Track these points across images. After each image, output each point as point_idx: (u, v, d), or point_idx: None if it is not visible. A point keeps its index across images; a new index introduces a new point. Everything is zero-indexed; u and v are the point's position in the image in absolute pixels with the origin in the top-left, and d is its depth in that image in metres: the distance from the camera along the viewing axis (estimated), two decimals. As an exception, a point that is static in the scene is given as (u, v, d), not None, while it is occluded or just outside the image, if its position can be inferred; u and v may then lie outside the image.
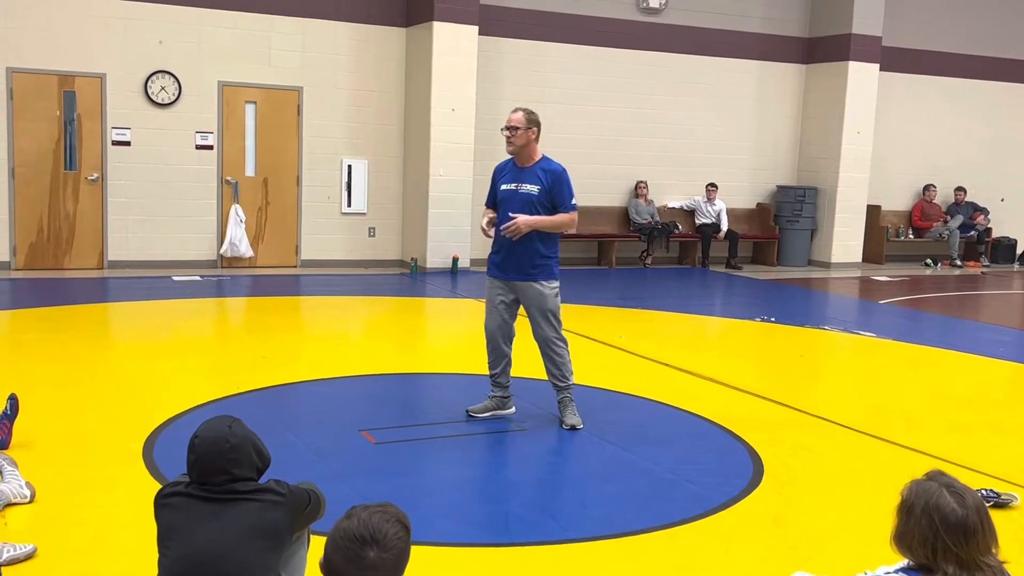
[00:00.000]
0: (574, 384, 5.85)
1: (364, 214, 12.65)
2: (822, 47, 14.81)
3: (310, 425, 5.72)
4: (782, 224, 14.95)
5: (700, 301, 11.69)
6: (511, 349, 5.88)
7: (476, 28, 12.25)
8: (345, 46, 12.35)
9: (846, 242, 14.92)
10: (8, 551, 3.59)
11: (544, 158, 5.73)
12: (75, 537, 3.92)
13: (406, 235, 12.94)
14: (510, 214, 5.58)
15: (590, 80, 13.65)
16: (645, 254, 14.11)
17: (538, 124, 5.65)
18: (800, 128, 15.29)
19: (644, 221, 13.94)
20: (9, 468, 4.31)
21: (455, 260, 12.49)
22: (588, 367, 7.40)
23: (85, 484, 4.49)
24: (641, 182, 14.03)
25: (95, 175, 11.33)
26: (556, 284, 5.77)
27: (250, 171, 12.10)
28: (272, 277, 11.70)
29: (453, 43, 12.09)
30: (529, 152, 5.65)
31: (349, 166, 12.51)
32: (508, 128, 5.60)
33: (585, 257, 14.13)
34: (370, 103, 12.59)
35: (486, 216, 5.86)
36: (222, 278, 11.37)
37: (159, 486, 3.99)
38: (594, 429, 5.74)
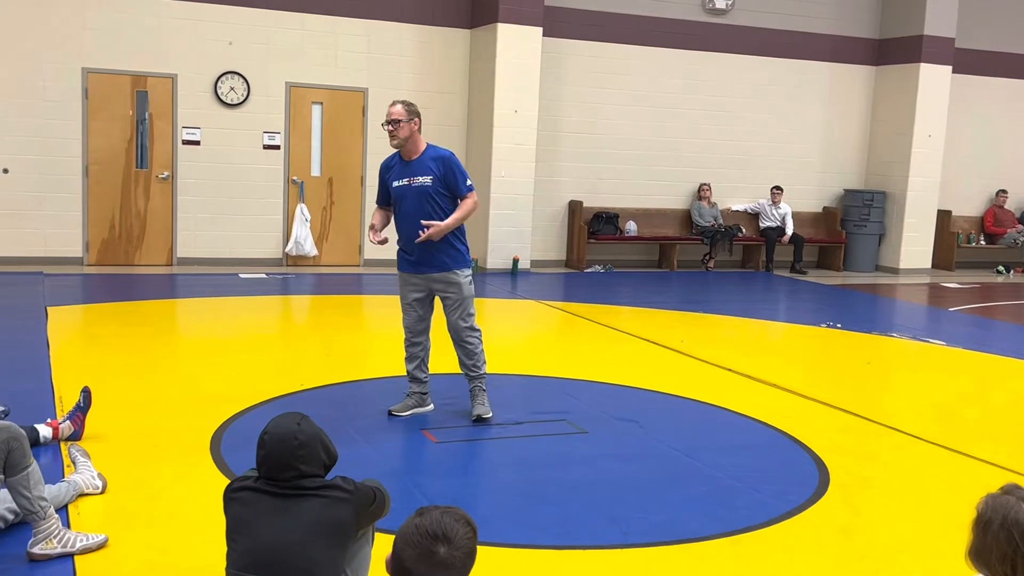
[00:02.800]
0: (486, 374, 5.82)
1: (426, 214, 12.71)
2: (893, 49, 14.51)
3: (372, 423, 5.76)
4: (849, 228, 14.68)
5: (764, 306, 11.53)
6: (427, 340, 5.86)
7: (540, 29, 12.25)
8: (410, 47, 12.44)
9: (915, 248, 14.60)
10: (81, 540, 3.68)
11: (430, 146, 5.64)
12: (145, 528, 4.00)
13: (467, 234, 12.94)
14: (422, 220, 5.48)
15: (653, 81, 13.56)
16: (708, 257, 13.97)
17: (418, 114, 5.57)
18: (869, 131, 15.00)
19: (707, 224, 13.81)
20: (82, 459, 4.41)
21: (515, 261, 12.50)
22: (649, 370, 7.35)
23: (155, 477, 4.59)
24: (704, 184, 13.90)
25: (165, 174, 11.58)
26: (469, 272, 5.75)
27: (316, 171, 12.25)
28: (336, 276, 11.83)
29: (517, 44, 12.11)
30: (414, 144, 5.57)
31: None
32: (389, 122, 5.50)
33: (646, 260, 14.04)
34: (433, 104, 12.64)
35: (376, 218, 5.79)
36: (287, 276, 11.53)
37: (226, 480, 4.06)
38: (655, 434, 5.70)
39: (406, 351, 5.86)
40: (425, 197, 5.52)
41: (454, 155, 5.70)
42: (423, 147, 5.62)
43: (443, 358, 7.30)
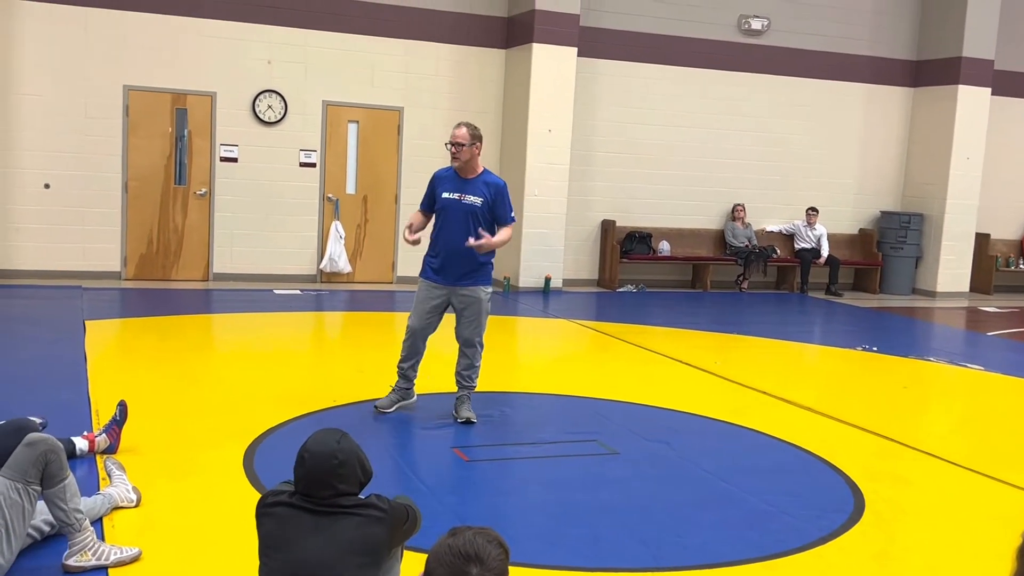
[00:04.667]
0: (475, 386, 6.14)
1: (460, 232, 12.75)
2: (931, 70, 14.40)
3: (404, 440, 5.78)
4: (885, 251, 14.54)
5: (798, 328, 11.43)
6: (425, 346, 6.13)
7: (575, 50, 12.29)
8: (446, 67, 12.53)
9: (953, 271, 14.42)
10: (115, 553, 3.71)
11: (486, 171, 5.95)
12: (178, 543, 4.03)
13: (499, 254, 12.91)
14: (480, 229, 5.75)
15: (688, 102, 13.55)
16: (741, 278, 13.89)
17: (480, 139, 5.86)
18: (906, 153, 14.87)
19: (741, 244, 13.74)
20: (118, 472, 4.46)
21: (547, 280, 12.51)
22: (681, 391, 7.31)
23: (188, 491, 4.62)
24: (738, 205, 13.84)
25: (203, 190, 11.72)
26: (491, 289, 6.06)
27: (351, 189, 12.35)
28: (369, 293, 11.90)
29: (552, 64, 12.16)
30: (473, 165, 5.87)
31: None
32: (453, 144, 5.80)
33: (679, 280, 13.98)
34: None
35: (414, 219, 6.02)
36: (321, 293, 11.61)
37: (259, 496, 4.09)
38: (688, 456, 5.66)
39: (406, 350, 6.11)
40: (471, 215, 5.82)
41: (506, 186, 6.00)
42: (480, 170, 5.94)
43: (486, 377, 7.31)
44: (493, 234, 5.87)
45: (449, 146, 5.84)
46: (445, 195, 5.89)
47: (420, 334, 6.06)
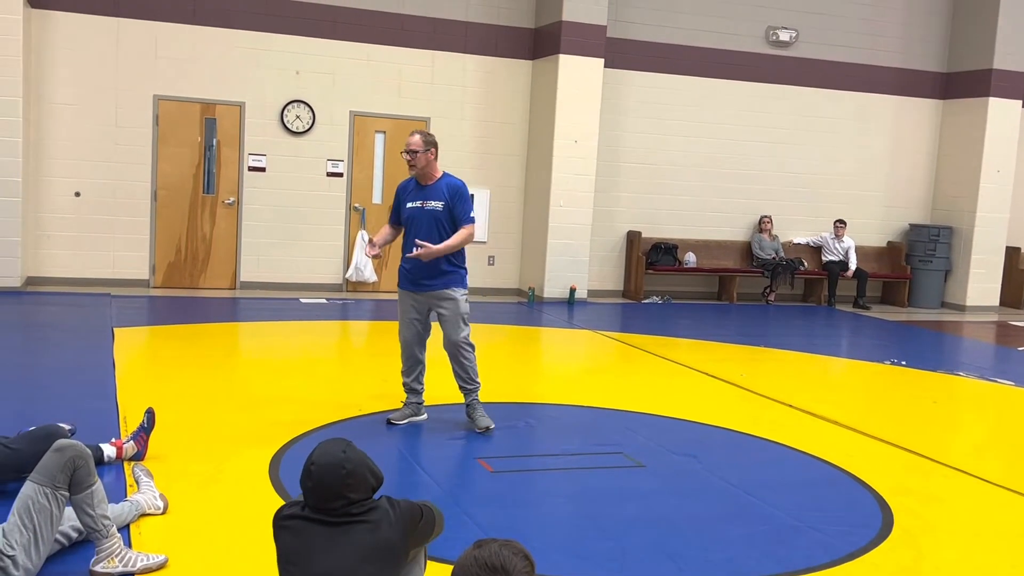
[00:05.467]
0: (480, 386, 6.13)
1: (484, 243, 12.79)
2: (961, 82, 14.28)
3: (429, 451, 5.78)
4: (914, 264, 14.41)
5: (826, 341, 11.34)
6: (424, 354, 6.17)
7: (602, 61, 12.30)
8: (472, 78, 12.57)
9: (982, 284, 14.27)
10: (142, 560, 3.73)
11: (445, 174, 6.04)
12: (204, 550, 4.04)
13: (524, 264, 13.02)
14: (416, 240, 5.85)
15: (715, 113, 13.51)
16: (768, 290, 13.80)
17: (435, 145, 5.96)
18: (935, 165, 14.75)
19: (768, 256, 13.66)
20: (145, 480, 4.49)
21: (572, 291, 12.49)
22: (707, 404, 7.27)
23: (215, 499, 4.64)
24: (765, 217, 13.77)
25: (231, 199, 11.81)
26: (465, 291, 6.08)
27: (377, 199, 12.40)
28: (394, 302, 11.78)
29: (578, 75, 12.17)
30: (430, 171, 5.96)
31: (472, 196, 12.64)
32: (408, 152, 5.88)
33: (705, 292, 13.92)
34: (494, 134, 12.77)
35: (380, 233, 6.17)
36: (346, 302, 11.65)
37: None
38: (714, 469, 5.62)
39: (404, 364, 6.17)
40: (434, 220, 5.93)
41: (465, 186, 6.09)
42: (439, 175, 6.03)
43: (498, 387, 7.30)
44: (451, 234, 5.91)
45: (404, 154, 5.91)
46: (409, 204, 5.99)
47: (411, 343, 6.11)
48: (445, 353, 6.11)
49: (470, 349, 6.07)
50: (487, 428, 6.03)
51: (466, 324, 6.05)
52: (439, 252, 5.86)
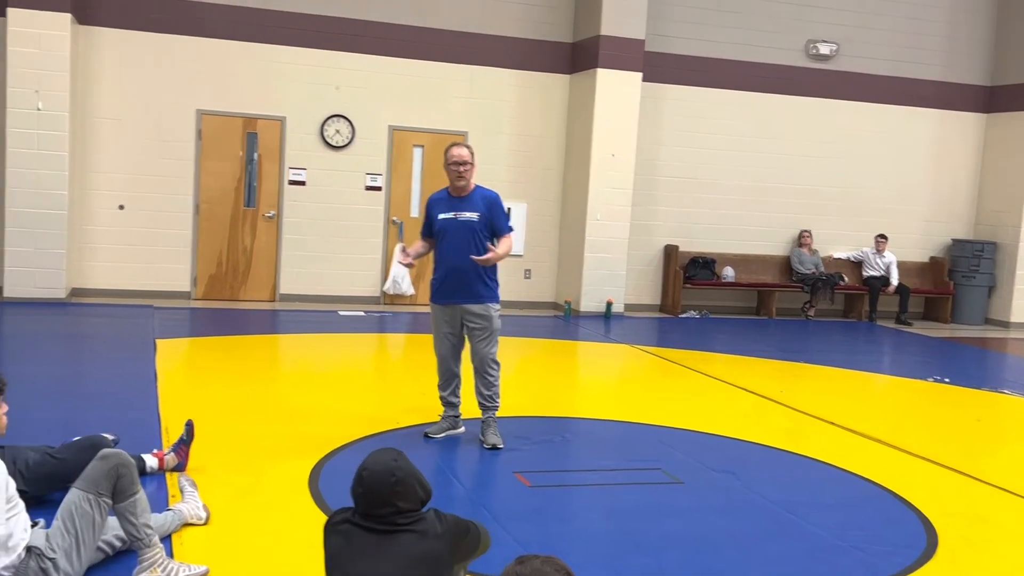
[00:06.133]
0: (499, 406, 6.09)
1: (521, 256, 12.80)
2: (1005, 96, 14.07)
3: (466, 464, 5.78)
4: (957, 280, 14.20)
5: (867, 357, 11.20)
6: (459, 367, 6.14)
7: (640, 75, 12.28)
8: (510, 92, 12.61)
9: (1028, 301, 14.03)
10: (184, 570, 3.76)
11: (478, 187, 6.02)
12: (244, 561, 4.07)
13: (561, 278, 13.01)
14: (471, 253, 5.82)
15: (753, 126, 13.44)
16: (808, 305, 13.67)
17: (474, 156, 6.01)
18: (979, 180, 14.54)
19: (808, 271, 13.53)
20: (190, 489, 4.53)
21: (609, 304, 12.45)
22: (746, 421, 7.20)
23: (255, 509, 4.68)
24: (805, 231, 13.65)
25: (272, 212, 11.94)
26: (499, 307, 6.06)
27: (415, 212, 12.46)
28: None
29: (616, 89, 12.16)
30: (469, 184, 5.96)
31: (509, 209, 12.69)
32: (460, 164, 5.86)
33: (744, 307, 13.82)
34: (531, 148, 12.79)
35: (414, 246, 6.20)
36: (384, 314, 11.72)
37: (324, 517, 4.12)
38: (753, 487, 5.57)
39: (441, 377, 6.17)
40: (470, 231, 5.91)
41: (500, 197, 6.09)
42: (472, 187, 6.00)
43: (535, 401, 7.29)
44: (486, 246, 5.92)
45: (454, 167, 5.87)
46: (441, 216, 5.97)
47: (447, 358, 6.10)
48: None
49: (496, 367, 6.05)
50: (494, 446, 5.94)
51: (496, 341, 6.04)
52: (498, 258, 5.86)
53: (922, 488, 5.69)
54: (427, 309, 12.36)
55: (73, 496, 3.64)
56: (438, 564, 2.88)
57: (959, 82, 14.22)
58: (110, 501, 3.67)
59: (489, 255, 5.81)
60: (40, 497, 4.27)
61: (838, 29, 13.62)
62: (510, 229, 6.05)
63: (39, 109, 10.44)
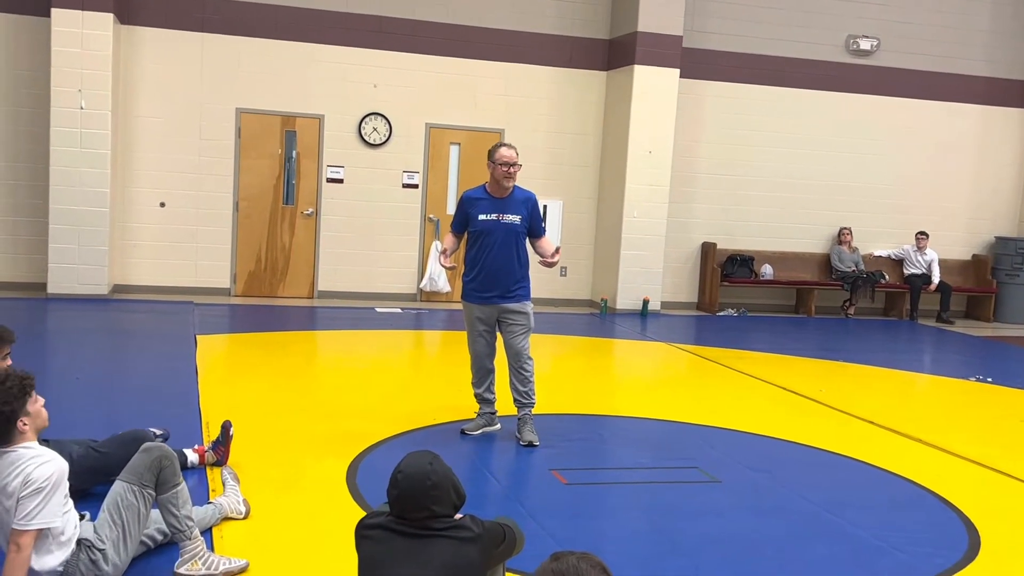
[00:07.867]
0: (535, 403, 6.08)
1: (558, 254, 12.76)
2: (1051, 90, 13.83)
3: (502, 461, 5.79)
4: (1000, 278, 13.97)
5: (908, 356, 11.06)
6: (494, 363, 6.15)
7: (677, 71, 12.22)
8: (546, 90, 12.60)
9: (1074, 299, 13.77)
10: (224, 564, 3.81)
11: (516, 187, 6.01)
12: (284, 556, 4.11)
13: (597, 276, 12.97)
14: (542, 260, 5.99)
15: (792, 123, 13.31)
16: (847, 303, 13.52)
17: None
18: (1023, 176, 14.30)
19: (848, 269, 13.39)
20: (231, 483, 4.59)
21: (645, 302, 12.40)
22: (784, 420, 7.14)
23: (294, 504, 4.72)
24: (845, 228, 13.50)
25: (310, 210, 12.03)
26: (531, 304, 6.11)
27: (451, 210, 12.48)
28: (467, 313, 11.96)
29: (653, 86, 12.11)
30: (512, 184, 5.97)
31: (545, 207, 12.69)
32: (511, 165, 5.87)
33: (783, 304, 13.70)
34: (567, 145, 12.78)
35: (445, 243, 6.17)
36: (421, 311, 11.76)
37: (361, 512, 4.15)
38: (792, 486, 5.52)
39: (475, 375, 6.18)
40: (513, 234, 5.93)
41: (537, 197, 6.17)
42: (511, 187, 5.99)
43: (571, 398, 7.29)
44: (525, 247, 6.01)
45: (503, 168, 5.87)
46: (482, 217, 5.94)
47: (482, 356, 6.11)
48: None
49: (531, 362, 6.06)
50: (531, 443, 5.94)
51: (529, 338, 6.07)
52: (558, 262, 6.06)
53: (964, 489, 5.61)
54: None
55: (118, 488, 3.71)
56: (472, 571, 2.88)
57: (1003, 77, 13.99)
58: (154, 492, 3.73)
59: (555, 260, 5.96)
60: (84, 490, 4.34)
61: (879, 24, 13.45)
62: (544, 230, 6.13)
63: (82, 108, 10.60)
